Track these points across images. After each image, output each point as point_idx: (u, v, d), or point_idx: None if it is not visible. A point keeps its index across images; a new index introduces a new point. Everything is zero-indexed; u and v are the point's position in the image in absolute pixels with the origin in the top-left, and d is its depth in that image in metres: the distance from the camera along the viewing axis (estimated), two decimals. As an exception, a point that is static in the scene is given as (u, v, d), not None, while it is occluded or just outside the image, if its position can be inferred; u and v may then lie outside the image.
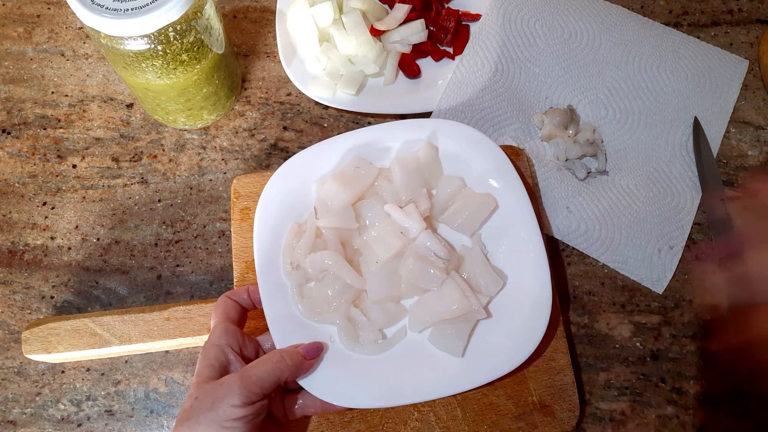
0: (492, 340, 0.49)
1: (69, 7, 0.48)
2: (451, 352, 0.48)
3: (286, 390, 0.48)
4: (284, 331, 0.47)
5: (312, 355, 0.46)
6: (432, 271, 0.49)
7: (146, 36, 0.47)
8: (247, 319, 0.50)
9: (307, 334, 0.48)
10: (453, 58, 0.65)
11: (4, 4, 0.68)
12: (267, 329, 0.48)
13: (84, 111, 0.64)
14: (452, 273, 0.50)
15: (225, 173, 0.61)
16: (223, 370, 0.42)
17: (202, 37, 0.51)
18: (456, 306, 0.48)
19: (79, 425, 0.53)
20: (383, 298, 0.50)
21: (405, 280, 0.50)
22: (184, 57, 0.51)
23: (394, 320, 0.50)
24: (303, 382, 0.46)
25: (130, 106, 0.64)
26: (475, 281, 0.50)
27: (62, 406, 0.54)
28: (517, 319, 0.49)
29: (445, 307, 0.49)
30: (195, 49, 0.52)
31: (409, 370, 0.48)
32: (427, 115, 0.63)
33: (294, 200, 0.52)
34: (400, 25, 0.63)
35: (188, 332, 0.51)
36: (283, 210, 0.52)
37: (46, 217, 0.59)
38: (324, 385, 0.46)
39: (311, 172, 0.53)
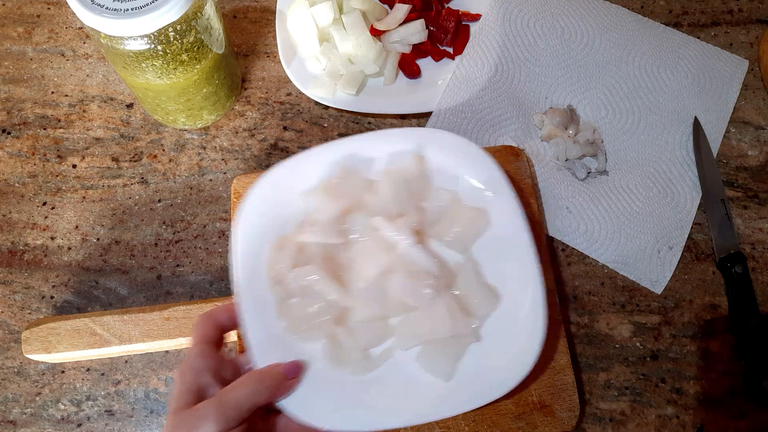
0: (483, 363, 0.46)
1: (69, 7, 0.48)
2: (439, 375, 0.46)
3: (270, 410, 0.45)
4: (264, 349, 0.45)
5: (292, 374, 0.43)
6: (422, 288, 0.46)
7: (146, 36, 0.47)
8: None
9: (289, 352, 0.45)
10: (453, 58, 0.65)
11: (4, 4, 0.68)
12: None
13: (84, 111, 0.64)
14: (444, 291, 0.47)
15: (225, 173, 0.61)
16: (201, 395, 0.40)
17: (202, 37, 0.51)
18: (446, 326, 0.46)
19: (79, 425, 0.53)
20: (370, 316, 0.47)
21: (393, 297, 0.47)
22: (184, 57, 0.51)
23: (380, 340, 0.47)
24: (283, 404, 0.43)
25: (130, 106, 0.64)
26: (468, 300, 0.48)
27: (62, 406, 0.54)
28: (510, 341, 0.46)
29: (434, 327, 0.46)
30: (195, 49, 0.52)
31: (395, 393, 0.46)
32: (427, 115, 0.63)
33: (277, 213, 0.50)
34: (400, 25, 0.63)
35: (188, 332, 0.51)
36: (266, 223, 0.49)
37: (46, 217, 0.59)
38: (305, 407, 0.43)
39: (296, 183, 0.50)
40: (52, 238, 0.59)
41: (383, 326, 0.48)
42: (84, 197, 0.60)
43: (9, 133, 0.63)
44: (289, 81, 0.63)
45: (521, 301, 0.47)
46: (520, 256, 0.48)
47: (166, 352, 0.55)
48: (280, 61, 0.63)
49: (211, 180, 0.61)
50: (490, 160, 0.50)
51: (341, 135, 0.63)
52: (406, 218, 0.49)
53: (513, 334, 0.47)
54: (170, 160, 0.62)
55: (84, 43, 0.67)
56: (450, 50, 0.65)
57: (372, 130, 0.63)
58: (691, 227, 0.59)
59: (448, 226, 0.50)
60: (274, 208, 0.50)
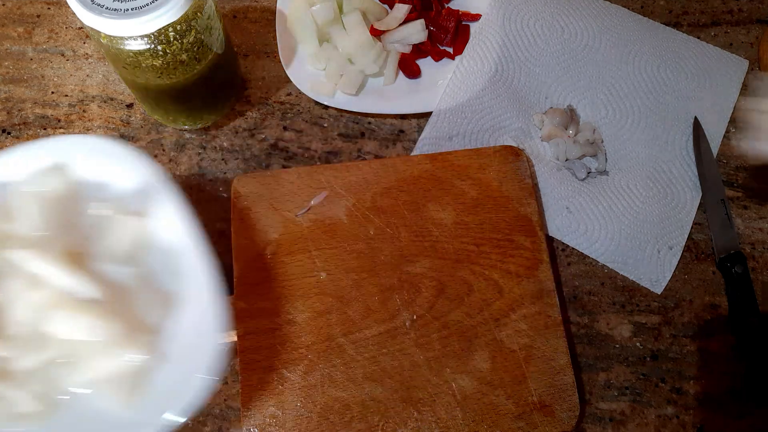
0: (168, 383, 0.42)
1: (69, 7, 0.48)
2: (120, 404, 0.42)
3: None
4: None
5: None
6: (88, 318, 0.42)
7: (146, 36, 0.47)
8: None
9: None
10: (453, 58, 0.65)
11: (4, 4, 0.68)
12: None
13: (84, 111, 0.64)
14: (115, 314, 0.43)
15: (225, 173, 0.61)
16: None
17: (202, 37, 0.51)
18: (123, 352, 0.42)
19: (79, 425, 0.53)
20: (34, 363, 0.42)
21: (58, 335, 0.42)
22: (184, 57, 0.51)
23: (52, 384, 0.42)
24: None
25: (130, 106, 0.64)
26: (142, 317, 0.44)
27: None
28: (194, 355, 0.43)
29: (109, 354, 0.42)
30: (195, 49, 0.52)
31: None
32: (427, 115, 0.63)
33: None
34: (400, 25, 0.63)
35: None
36: None
37: (46, 217, 0.59)
38: None
39: None
40: (52, 238, 0.59)
41: (53, 369, 0.42)
42: (84, 197, 0.60)
43: (9, 133, 0.63)
44: (289, 81, 0.63)
45: (199, 307, 0.44)
46: (192, 260, 0.45)
47: (166, 352, 0.55)
48: (280, 61, 0.63)
49: (211, 180, 0.61)
50: (145, 160, 0.46)
51: (341, 135, 0.63)
52: (57, 243, 0.43)
53: (197, 345, 0.43)
54: (170, 160, 0.62)
55: (84, 43, 0.67)
56: (450, 50, 0.65)
57: (372, 130, 0.63)
58: (691, 227, 0.59)
59: (109, 241, 0.45)
60: None
